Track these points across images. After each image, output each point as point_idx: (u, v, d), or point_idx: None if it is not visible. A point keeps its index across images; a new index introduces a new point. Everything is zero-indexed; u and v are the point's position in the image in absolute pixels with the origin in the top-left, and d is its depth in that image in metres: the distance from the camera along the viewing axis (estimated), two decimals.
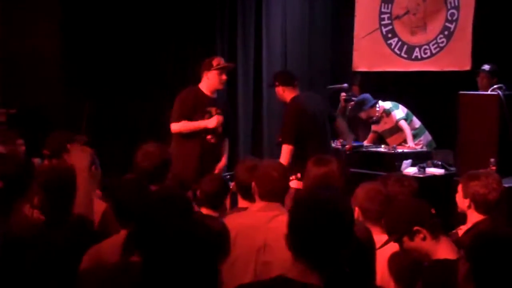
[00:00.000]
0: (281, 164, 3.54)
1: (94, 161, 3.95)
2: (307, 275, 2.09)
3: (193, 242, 2.07)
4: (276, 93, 5.70)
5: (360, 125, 7.15)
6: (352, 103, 6.98)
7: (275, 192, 3.25)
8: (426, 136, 6.67)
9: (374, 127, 6.83)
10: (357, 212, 3.33)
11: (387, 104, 6.67)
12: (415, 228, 2.89)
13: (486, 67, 6.42)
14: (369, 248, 2.68)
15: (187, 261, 2.03)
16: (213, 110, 5.47)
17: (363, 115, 6.72)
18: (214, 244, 2.15)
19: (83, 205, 3.02)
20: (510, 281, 2.10)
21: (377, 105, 6.65)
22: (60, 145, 4.33)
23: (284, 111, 5.65)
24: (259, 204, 3.27)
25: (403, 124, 6.55)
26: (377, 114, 6.65)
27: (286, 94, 5.57)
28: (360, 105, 6.67)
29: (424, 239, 2.90)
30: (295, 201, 2.30)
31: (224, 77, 5.50)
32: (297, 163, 5.36)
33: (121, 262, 2.49)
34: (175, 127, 5.47)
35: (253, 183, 3.33)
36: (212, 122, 5.40)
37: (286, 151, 5.35)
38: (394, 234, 2.96)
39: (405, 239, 2.93)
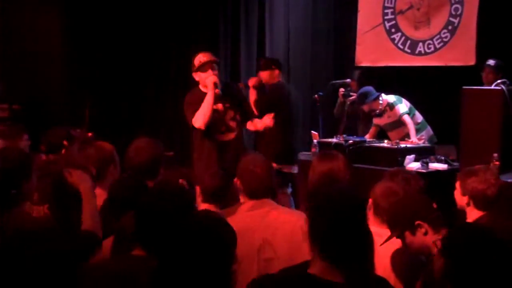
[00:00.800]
0: (263, 158, 3.45)
1: (114, 158, 3.95)
2: (329, 272, 2.13)
3: (211, 236, 2.07)
4: (267, 75, 6.16)
5: (360, 120, 7.13)
6: (351, 98, 6.96)
7: (262, 190, 3.18)
8: (428, 131, 6.65)
9: (375, 121, 6.79)
10: (370, 203, 3.34)
11: (390, 98, 6.63)
12: (417, 222, 2.89)
13: (491, 62, 6.38)
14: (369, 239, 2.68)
15: (203, 256, 2.01)
16: (219, 106, 5.37)
17: (365, 107, 6.69)
18: (229, 238, 2.15)
19: (90, 226, 2.98)
20: (485, 277, 2.07)
21: (380, 98, 6.61)
22: (57, 141, 4.33)
23: (274, 91, 6.06)
24: (248, 203, 3.19)
25: (407, 118, 6.51)
26: (380, 107, 6.62)
27: (277, 78, 6.18)
28: (363, 97, 6.63)
29: (425, 233, 2.89)
30: (313, 200, 2.30)
31: (210, 73, 5.26)
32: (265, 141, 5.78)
33: (121, 257, 2.48)
34: (197, 121, 5.22)
35: (237, 182, 3.26)
36: (209, 84, 5.21)
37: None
38: (396, 229, 2.95)
39: (407, 233, 2.92)
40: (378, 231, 3.13)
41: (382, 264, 3.09)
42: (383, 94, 6.62)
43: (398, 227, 2.95)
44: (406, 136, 6.45)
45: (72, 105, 7.58)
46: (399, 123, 6.57)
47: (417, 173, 4.35)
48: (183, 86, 8.19)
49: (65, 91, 7.89)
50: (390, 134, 6.67)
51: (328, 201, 2.21)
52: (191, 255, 2.01)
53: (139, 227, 2.44)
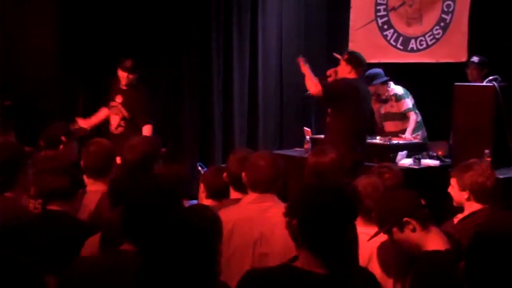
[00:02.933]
0: (270, 153, 3.48)
1: (114, 154, 3.97)
2: (312, 264, 2.15)
3: (190, 230, 2.06)
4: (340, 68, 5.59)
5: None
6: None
7: (264, 182, 3.18)
8: (423, 131, 6.64)
9: (376, 106, 6.70)
10: None
11: (399, 89, 6.58)
12: (405, 219, 2.85)
13: (475, 59, 6.42)
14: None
15: (183, 250, 2.01)
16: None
17: (371, 89, 6.52)
18: (210, 231, 2.15)
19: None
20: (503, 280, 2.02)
21: (389, 84, 6.56)
22: (56, 136, 4.35)
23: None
24: (251, 195, 3.20)
25: (412, 115, 6.48)
26: (386, 93, 6.56)
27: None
28: (371, 78, 6.53)
29: (414, 230, 2.84)
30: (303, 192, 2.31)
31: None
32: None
33: (110, 252, 2.48)
34: None
35: (243, 174, 3.30)
36: None
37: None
38: (384, 226, 2.94)
39: (395, 230, 2.89)
40: (364, 230, 3.14)
41: (368, 258, 3.11)
42: (392, 82, 6.58)
43: (386, 223, 2.94)
44: (401, 131, 6.44)
45: (65, 100, 7.56)
46: (399, 115, 6.54)
47: (397, 168, 4.31)
48: (175, 89, 8.20)
49: (58, 86, 7.86)
50: (386, 124, 6.63)
51: (314, 195, 2.25)
52: (173, 248, 2.02)
53: (127, 221, 2.44)
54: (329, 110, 5.52)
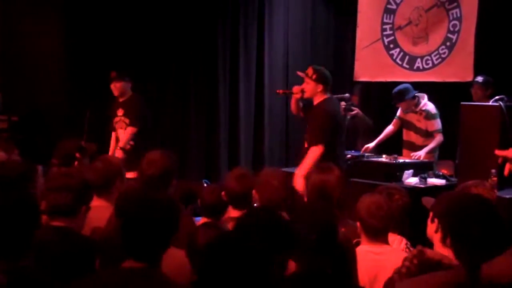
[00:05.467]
0: (281, 172, 3.50)
1: (121, 172, 3.98)
2: None
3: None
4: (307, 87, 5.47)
5: (360, 134, 7.12)
6: (352, 112, 6.92)
7: (274, 200, 3.22)
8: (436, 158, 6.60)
9: (401, 114, 6.67)
10: (359, 226, 3.31)
11: (432, 107, 6.52)
12: (437, 219, 2.59)
13: (479, 78, 6.43)
14: (348, 252, 2.68)
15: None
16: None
17: (403, 105, 6.53)
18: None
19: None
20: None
21: (422, 97, 6.50)
22: (70, 153, 4.37)
23: (318, 112, 5.38)
24: None
25: (439, 137, 6.41)
26: (413, 108, 6.48)
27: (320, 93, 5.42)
28: (403, 94, 6.47)
29: (436, 231, 2.56)
30: None
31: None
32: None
33: (112, 270, 2.46)
34: None
35: (253, 191, 3.31)
36: None
37: (316, 152, 5.18)
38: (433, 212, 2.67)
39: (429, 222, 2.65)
40: (368, 248, 3.17)
41: (373, 277, 3.09)
42: (426, 96, 6.53)
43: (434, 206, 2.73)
44: (419, 147, 6.37)
45: (72, 116, 7.60)
46: (425, 132, 6.48)
47: (404, 189, 4.24)
48: (182, 106, 8.23)
49: (65, 102, 7.90)
50: (408, 132, 6.57)
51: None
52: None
53: (128, 238, 2.41)
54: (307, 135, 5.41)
